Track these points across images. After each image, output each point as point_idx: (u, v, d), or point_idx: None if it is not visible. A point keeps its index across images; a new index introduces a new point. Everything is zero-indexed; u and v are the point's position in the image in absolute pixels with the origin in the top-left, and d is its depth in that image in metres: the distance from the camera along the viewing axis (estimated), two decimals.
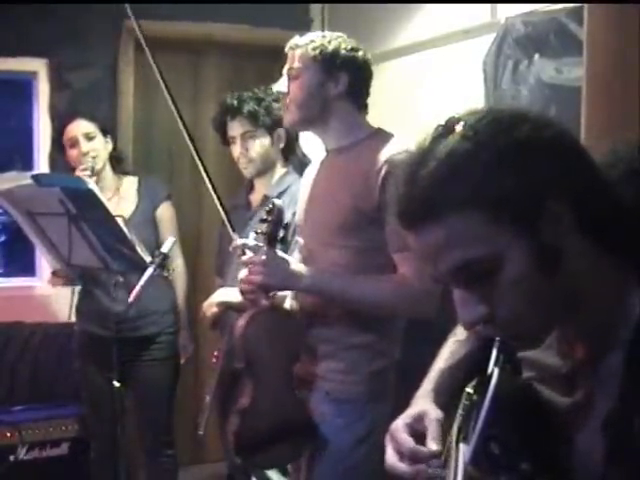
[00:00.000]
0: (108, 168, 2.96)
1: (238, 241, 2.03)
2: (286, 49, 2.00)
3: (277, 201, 1.96)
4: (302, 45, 1.95)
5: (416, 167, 0.87)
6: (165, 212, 3.01)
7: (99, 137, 2.91)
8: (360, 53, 1.96)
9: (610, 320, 0.91)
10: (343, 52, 1.93)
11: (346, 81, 1.93)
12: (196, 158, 2.15)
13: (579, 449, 0.92)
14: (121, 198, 2.94)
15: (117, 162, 3.03)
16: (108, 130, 2.99)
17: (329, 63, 1.92)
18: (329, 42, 1.93)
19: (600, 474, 0.87)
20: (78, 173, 2.74)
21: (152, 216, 2.96)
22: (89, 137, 2.87)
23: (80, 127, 2.88)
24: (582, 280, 0.89)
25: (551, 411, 0.97)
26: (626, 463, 0.84)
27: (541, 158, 0.85)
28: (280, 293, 2.03)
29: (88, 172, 2.74)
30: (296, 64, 1.94)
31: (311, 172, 2.09)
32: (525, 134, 0.85)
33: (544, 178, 0.85)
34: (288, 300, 2.08)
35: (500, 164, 0.84)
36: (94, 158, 2.85)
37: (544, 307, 0.88)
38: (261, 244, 1.91)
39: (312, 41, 1.94)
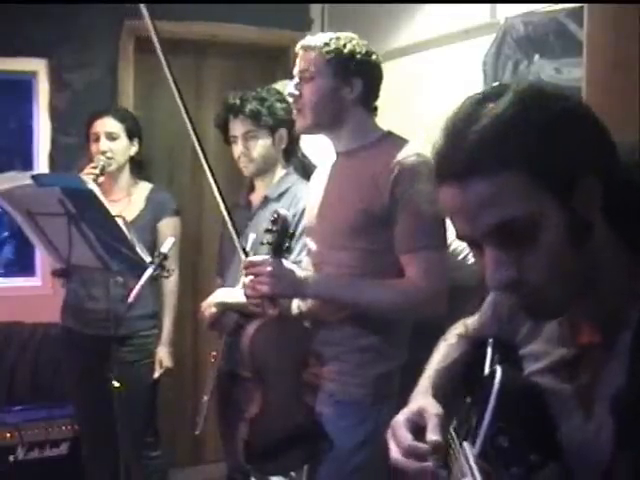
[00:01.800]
0: (126, 170, 2.96)
1: (247, 259, 1.96)
2: (297, 49, 1.96)
3: (282, 211, 1.92)
4: (316, 47, 1.91)
5: (463, 123, 0.90)
6: (167, 226, 2.96)
7: (122, 139, 2.90)
8: (373, 57, 1.94)
9: (622, 300, 0.93)
10: (358, 57, 1.90)
11: (360, 86, 1.91)
12: (201, 158, 2.10)
13: (588, 433, 0.93)
14: (130, 201, 2.94)
15: (137, 166, 3.01)
16: (136, 133, 2.96)
17: (344, 68, 1.89)
18: (344, 45, 1.89)
19: (609, 457, 0.88)
20: (86, 171, 2.72)
21: (152, 227, 2.94)
22: (111, 137, 2.87)
23: (105, 125, 2.88)
24: (601, 257, 0.92)
25: (556, 400, 0.98)
26: (635, 444, 0.84)
27: (584, 132, 0.89)
28: None
29: (96, 171, 2.71)
30: (310, 67, 1.90)
31: (320, 176, 2.08)
32: (571, 107, 0.90)
33: (583, 152, 0.88)
34: (295, 302, 2.07)
35: (547, 131, 0.87)
36: (109, 159, 2.83)
37: (570, 278, 0.91)
38: (268, 257, 1.85)
39: (326, 44, 1.90)
